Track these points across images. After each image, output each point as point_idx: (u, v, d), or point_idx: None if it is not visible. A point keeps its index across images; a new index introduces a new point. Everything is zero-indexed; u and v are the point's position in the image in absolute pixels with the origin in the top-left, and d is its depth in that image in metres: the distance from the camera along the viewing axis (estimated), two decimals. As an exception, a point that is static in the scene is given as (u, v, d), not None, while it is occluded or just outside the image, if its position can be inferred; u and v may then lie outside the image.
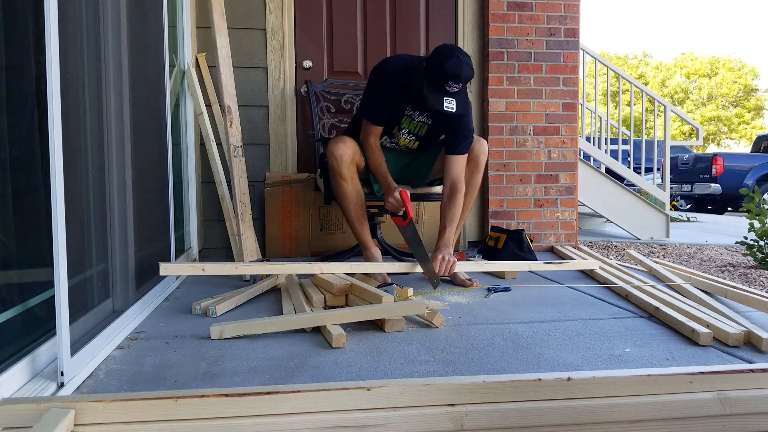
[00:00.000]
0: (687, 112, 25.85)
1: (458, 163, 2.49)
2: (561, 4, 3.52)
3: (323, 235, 3.36)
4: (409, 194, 2.33)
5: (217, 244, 3.29)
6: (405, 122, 2.56)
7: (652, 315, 1.97)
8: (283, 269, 2.20)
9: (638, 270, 2.77)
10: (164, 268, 1.95)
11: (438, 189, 2.86)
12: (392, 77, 2.43)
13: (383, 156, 2.51)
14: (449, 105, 2.28)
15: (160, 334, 1.75)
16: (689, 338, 1.71)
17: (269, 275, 2.46)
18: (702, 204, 10.28)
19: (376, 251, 2.55)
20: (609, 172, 5.11)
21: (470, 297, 2.28)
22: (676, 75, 28.25)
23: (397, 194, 2.33)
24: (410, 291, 2.25)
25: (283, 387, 1.06)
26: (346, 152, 2.43)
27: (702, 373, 1.13)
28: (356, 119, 2.65)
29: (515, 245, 3.03)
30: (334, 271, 2.20)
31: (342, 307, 2.03)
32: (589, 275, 2.71)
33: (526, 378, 1.10)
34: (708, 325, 1.73)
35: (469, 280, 2.50)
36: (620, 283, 2.37)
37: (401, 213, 2.35)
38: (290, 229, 3.31)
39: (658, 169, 6.40)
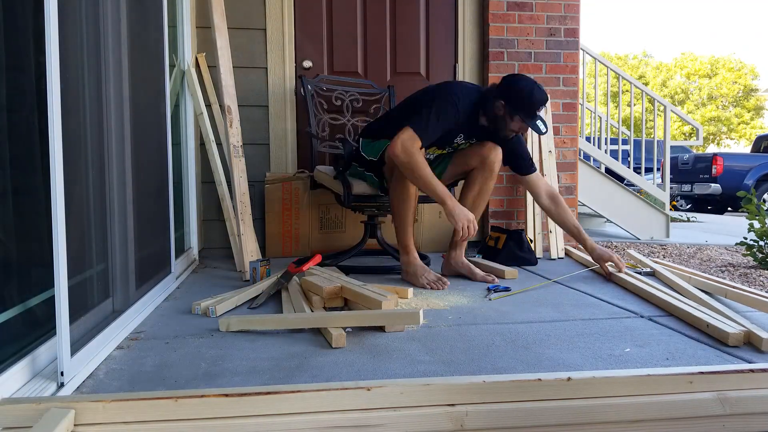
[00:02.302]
0: (687, 113, 25.84)
1: (538, 180, 2.68)
2: (561, 4, 3.52)
3: (323, 234, 3.36)
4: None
5: (217, 244, 3.29)
6: (449, 145, 2.61)
7: (671, 314, 1.98)
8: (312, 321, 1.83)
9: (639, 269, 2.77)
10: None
11: None
12: (462, 110, 2.43)
13: None
14: (543, 127, 2.43)
15: (160, 334, 1.75)
16: (690, 337, 1.71)
17: (269, 275, 2.46)
18: (702, 204, 10.28)
19: (416, 255, 2.53)
20: (609, 172, 5.11)
21: (470, 297, 2.28)
22: (676, 75, 28.25)
23: (470, 215, 2.34)
24: (410, 291, 2.25)
25: (283, 387, 1.06)
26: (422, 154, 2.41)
27: (702, 373, 1.13)
28: (395, 124, 2.44)
29: (515, 245, 3.03)
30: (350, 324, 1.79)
31: (342, 308, 2.03)
32: (595, 273, 2.71)
33: (526, 378, 1.10)
34: (708, 325, 1.74)
35: (488, 275, 2.59)
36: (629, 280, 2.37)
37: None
38: (290, 228, 3.31)
39: (658, 169, 6.40)
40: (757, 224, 3.40)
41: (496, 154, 2.59)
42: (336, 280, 2.14)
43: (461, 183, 2.75)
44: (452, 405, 1.05)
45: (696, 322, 1.82)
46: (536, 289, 2.43)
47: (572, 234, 2.66)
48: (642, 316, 1.97)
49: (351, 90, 3.39)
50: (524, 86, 2.39)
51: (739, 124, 26.47)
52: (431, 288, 2.40)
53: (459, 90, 2.49)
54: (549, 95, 3.50)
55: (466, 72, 3.58)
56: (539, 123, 2.41)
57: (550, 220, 3.36)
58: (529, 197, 3.41)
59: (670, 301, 2.04)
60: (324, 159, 3.49)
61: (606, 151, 4.96)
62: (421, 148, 2.34)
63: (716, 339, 1.69)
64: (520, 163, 2.67)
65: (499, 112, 2.43)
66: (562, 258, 3.31)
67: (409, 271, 2.51)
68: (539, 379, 1.09)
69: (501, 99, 2.41)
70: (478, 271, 2.61)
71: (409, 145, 2.31)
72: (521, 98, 2.38)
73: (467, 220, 2.32)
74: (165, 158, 2.35)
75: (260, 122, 3.36)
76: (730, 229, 6.06)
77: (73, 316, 1.35)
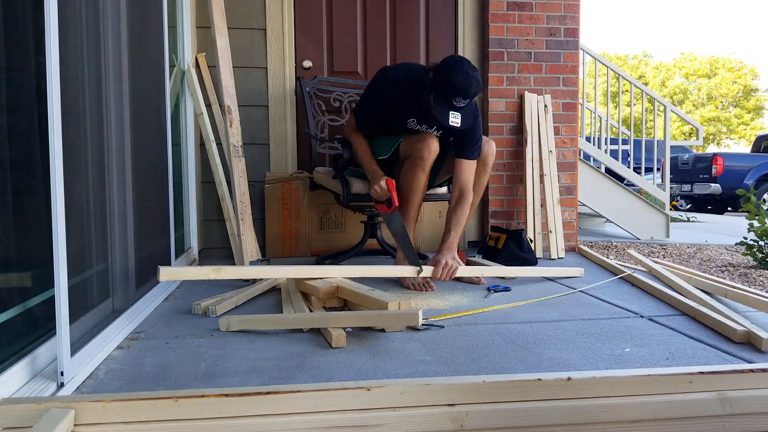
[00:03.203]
0: (686, 113, 25.84)
1: (468, 169, 2.49)
2: (561, 4, 3.52)
3: (323, 234, 3.35)
4: (394, 183, 2.36)
5: (217, 244, 3.29)
6: (404, 130, 2.54)
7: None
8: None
9: (638, 269, 2.78)
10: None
11: (441, 190, 2.86)
12: (393, 93, 2.42)
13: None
14: (454, 120, 2.26)
15: (160, 334, 1.75)
16: (690, 337, 1.71)
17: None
18: (702, 204, 10.28)
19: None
20: (609, 172, 5.11)
21: (470, 297, 2.28)
22: (675, 75, 28.25)
23: (383, 182, 2.35)
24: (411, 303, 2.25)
25: (283, 387, 1.06)
26: (437, 150, 2.40)
27: (702, 373, 1.13)
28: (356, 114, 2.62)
29: (515, 245, 3.03)
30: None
31: (341, 308, 2.03)
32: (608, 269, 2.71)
33: (526, 378, 1.10)
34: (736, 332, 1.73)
35: (477, 277, 2.54)
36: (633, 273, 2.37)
37: (385, 200, 2.37)
38: (290, 228, 3.31)
39: (658, 169, 6.40)
40: (756, 224, 3.40)
41: (489, 148, 2.58)
42: (334, 281, 2.14)
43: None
44: (452, 405, 1.05)
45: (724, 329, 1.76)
46: (536, 290, 2.43)
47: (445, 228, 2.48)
48: (642, 316, 1.97)
49: (350, 91, 3.40)
50: (448, 67, 2.25)
51: (738, 124, 26.47)
52: (415, 289, 2.37)
53: (390, 75, 2.48)
54: (549, 95, 3.51)
55: (466, 72, 3.58)
56: (450, 113, 2.25)
57: (550, 221, 3.37)
58: (529, 197, 3.40)
59: (690, 303, 2.03)
60: (324, 159, 3.49)
61: (606, 151, 4.96)
62: (362, 134, 2.52)
63: (723, 336, 1.69)
64: (457, 143, 2.50)
65: (427, 84, 2.30)
66: (562, 258, 3.31)
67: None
68: (539, 379, 1.09)
69: (431, 73, 2.30)
70: (465, 273, 2.46)
71: (349, 128, 2.57)
72: (437, 77, 2.26)
73: (378, 186, 2.35)
74: (165, 158, 2.35)
75: (260, 122, 3.36)
76: (730, 229, 6.06)
77: (73, 316, 1.35)
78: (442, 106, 2.26)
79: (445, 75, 2.23)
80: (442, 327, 1.83)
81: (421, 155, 2.38)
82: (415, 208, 2.49)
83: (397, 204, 2.34)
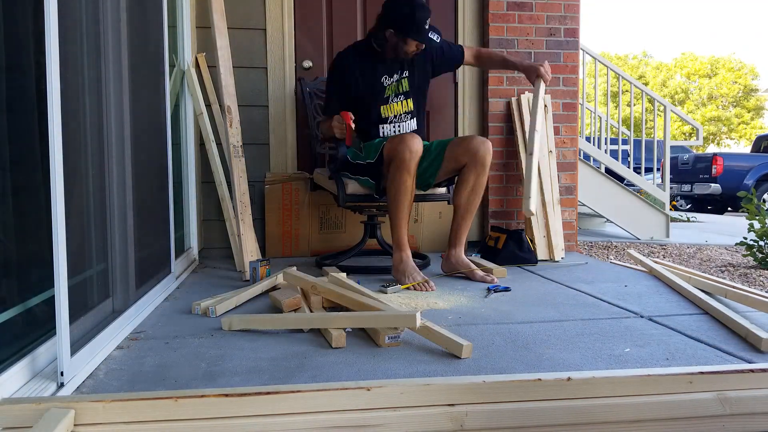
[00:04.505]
0: (687, 113, 25.84)
1: (471, 51, 2.91)
2: (561, 4, 3.52)
3: (323, 235, 3.35)
4: (351, 116, 2.51)
5: (217, 244, 3.29)
6: (388, 90, 2.71)
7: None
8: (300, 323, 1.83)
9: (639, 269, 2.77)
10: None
11: (440, 190, 2.86)
12: (351, 63, 2.65)
13: None
14: (432, 36, 2.54)
15: (160, 334, 1.75)
16: (689, 336, 1.71)
17: (269, 276, 2.46)
18: (702, 204, 10.28)
19: (409, 254, 2.52)
20: (609, 172, 5.11)
21: (470, 297, 2.28)
22: (676, 75, 28.24)
23: (337, 117, 2.53)
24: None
25: (283, 387, 1.06)
26: (420, 149, 2.45)
27: (702, 373, 1.13)
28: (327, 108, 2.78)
29: (515, 245, 3.03)
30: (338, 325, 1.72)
31: (341, 308, 2.03)
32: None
33: (526, 378, 1.10)
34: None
35: (488, 275, 2.57)
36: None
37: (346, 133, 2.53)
38: (290, 229, 3.31)
39: (658, 169, 6.40)
40: (757, 224, 3.41)
41: (486, 148, 2.59)
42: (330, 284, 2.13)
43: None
44: (452, 405, 1.05)
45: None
46: (536, 289, 2.43)
47: (499, 63, 2.96)
48: (642, 316, 1.97)
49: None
50: (404, 10, 2.50)
51: (739, 124, 26.47)
52: (415, 289, 2.37)
53: (342, 53, 2.72)
54: (549, 95, 3.51)
55: (465, 72, 3.58)
56: (431, 35, 2.55)
57: (550, 221, 3.36)
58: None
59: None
60: (325, 159, 3.48)
61: (606, 151, 4.96)
62: (327, 118, 2.66)
63: (745, 341, 1.69)
64: (453, 59, 2.84)
65: (392, 40, 2.56)
66: (563, 258, 3.30)
67: (399, 268, 2.48)
68: (539, 379, 1.09)
69: (389, 28, 2.54)
70: (478, 271, 2.60)
71: (322, 127, 2.77)
72: (405, 22, 2.51)
73: (336, 121, 2.56)
74: (165, 158, 2.35)
75: (260, 122, 3.36)
76: (730, 229, 6.06)
77: (73, 316, 1.35)
78: (424, 35, 2.52)
79: (409, 16, 2.48)
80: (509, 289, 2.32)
81: (403, 157, 2.41)
82: (405, 210, 2.50)
83: (351, 125, 2.50)
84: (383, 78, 2.68)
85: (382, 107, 2.71)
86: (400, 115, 2.74)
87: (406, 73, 2.72)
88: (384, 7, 2.58)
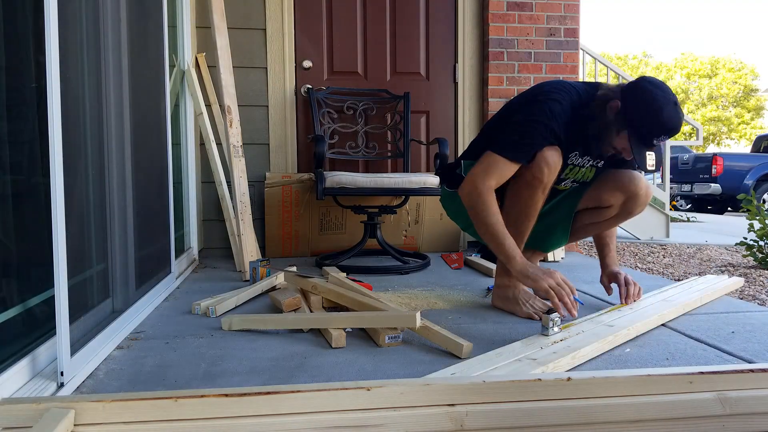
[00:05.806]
0: (687, 113, 25.84)
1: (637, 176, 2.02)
2: (561, 4, 3.52)
3: (323, 235, 3.35)
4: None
5: (217, 244, 3.30)
6: (568, 173, 1.99)
7: None
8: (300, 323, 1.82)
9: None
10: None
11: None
12: (559, 121, 1.81)
13: None
14: (651, 162, 1.78)
15: (160, 334, 1.75)
16: (690, 337, 1.71)
17: (269, 276, 2.46)
18: (702, 204, 10.28)
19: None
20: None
21: (470, 297, 2.27)
22: (676, 75, 28.24)
23: (558, 274, 1.77)
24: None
25: (283, 387, 1.06)
26: (559, 163, 1.84)
27: (702, 373, 1.12)
28: (480, 144, 1.98)
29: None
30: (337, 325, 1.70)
31: (341, 308, 2.03)
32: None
33: (526, 378, 1.10)
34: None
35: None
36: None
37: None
38: (290, 229, 3.31)
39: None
40: (757, 224, 3.41)
41: (647, 189, 2.02)
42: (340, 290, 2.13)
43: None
44: (452, 405, 1.05)
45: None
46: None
47: (601, 241, 2.17)
48: (642, 316, 1.97)
49: (357, 99, 3.41)
50: (651, 99, 1.73)
51: (739, 124, 26.47)
52: (537, 318, 1.90)
53: (553, 97, 1.83)
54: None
55: (465, 72, 3.58)
56: (647, 155, 1.76)
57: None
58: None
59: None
60: (333, 164, 3.48)
61: (606, 151, 4.96)
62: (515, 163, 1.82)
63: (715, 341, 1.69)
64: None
65: (610, 115, 1.80)
66: (563, 258, 3.30)
67: (508, 295, 1.99)
68: (539, 379, 1.09)
69: (625, 129, 1.78)
70: (529, 307, 1.97)
71: (479, 182, 1.80)
72: (643, 110, 1.74)
73: (552, 280, 1.74)
74: (165, 158, 2.35)
75: (260, 122, 3.36)
76: (730, 229, 6.06)
77: (73, 316, 1.35)
78: (644, 146, 1.76)
79: (655, 108, 1.72)
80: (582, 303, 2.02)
81: (540, 176, 1.81)
82: (524, 235, 1.94)
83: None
84: (574, 155, 1.94)
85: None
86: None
87: (602, 163, 2.01)
88: (640, 77, 1.81)
